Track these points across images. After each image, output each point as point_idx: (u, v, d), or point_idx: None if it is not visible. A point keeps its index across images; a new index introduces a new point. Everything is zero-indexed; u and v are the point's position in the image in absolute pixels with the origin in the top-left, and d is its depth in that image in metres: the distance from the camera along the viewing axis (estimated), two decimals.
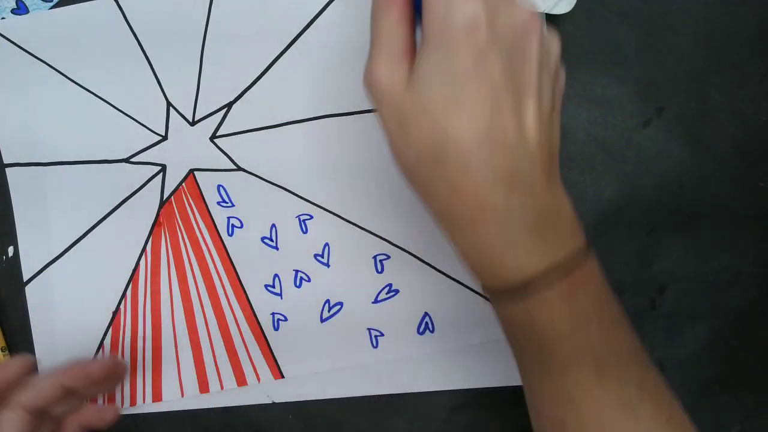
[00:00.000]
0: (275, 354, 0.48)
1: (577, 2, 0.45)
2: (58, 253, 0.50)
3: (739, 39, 0.45)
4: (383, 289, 0.47)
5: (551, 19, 0.45)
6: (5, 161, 0.50)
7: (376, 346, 0.47)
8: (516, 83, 0.31)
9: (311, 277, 0.47)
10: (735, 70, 0.45)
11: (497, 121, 0.30)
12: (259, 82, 0.47)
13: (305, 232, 0.47)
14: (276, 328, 0.48)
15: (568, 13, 0.45)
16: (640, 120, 0.46)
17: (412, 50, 0.34)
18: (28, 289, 0.50)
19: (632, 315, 0.45)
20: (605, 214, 0.46)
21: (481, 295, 0.45)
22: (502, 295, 0.33)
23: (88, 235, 0.49)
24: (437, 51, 0.31)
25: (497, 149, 0.31)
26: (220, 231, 0.48)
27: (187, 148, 0.48)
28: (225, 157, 0.48)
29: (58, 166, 0.49)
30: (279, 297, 0.48)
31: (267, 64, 0.47)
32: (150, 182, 0.49)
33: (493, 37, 0.30)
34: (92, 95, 0.49)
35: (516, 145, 0.31)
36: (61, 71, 0.49)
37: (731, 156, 0.45)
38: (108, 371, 0.44)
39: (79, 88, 0.49)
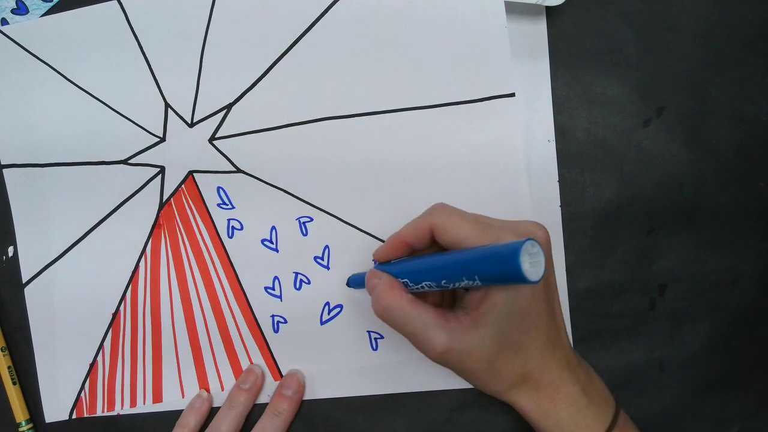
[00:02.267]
0: (275, 356, 0.48)
1: (577, 2, 0.45)
2: (57, 255, 0.50)
3: (739, 39, 0.45)
4: None
5: (546, 12, 0.45)
6: (3, 162, 0.50)
7: (375, 349, 0.47)
8: (549, 287, 0.39)
9: (311, 280, 0.47)
10: (735, 70, 0.45)
11: (549, 326, 0.38)
12: (259, 84, 0.47)
13: (305, 234, 0.47)
14: (276, 331, 0.48)
15: (566, 10, 0.45)
16: (640, 120, 0.46)
17: (438, 304, 0.41)
18: (28, 290, 0.50)
19: (632, 315, 0.46)
20: (605, 214, 0.46)
21: None
22: None
23: (88, 236, 0.49)
24: (505, 297, 0.36)
25: (556, 347, 0.39)
26: (220, 233, 0.48)
27: (186, 150, 0.48)
28: (224, 159, 0.48)
29: (56, 168, 0.49)
30: (279, 299, 0.48)
31: (267, 66, 0.47)
32: (149, 184, 0.49)
33: None
34: (90, 96, 0.49)
35: (561, 336, 0.39)
36: (61, 72, 0.49)
37: (731, 156, 0.45)
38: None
39: (77, 89, 0.49)
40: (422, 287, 0.37)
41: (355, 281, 0.45)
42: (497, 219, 0.39)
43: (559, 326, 0.39)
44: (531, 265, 0.31)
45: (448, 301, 0.42)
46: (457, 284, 0.34)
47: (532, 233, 0.37)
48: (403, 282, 0.38)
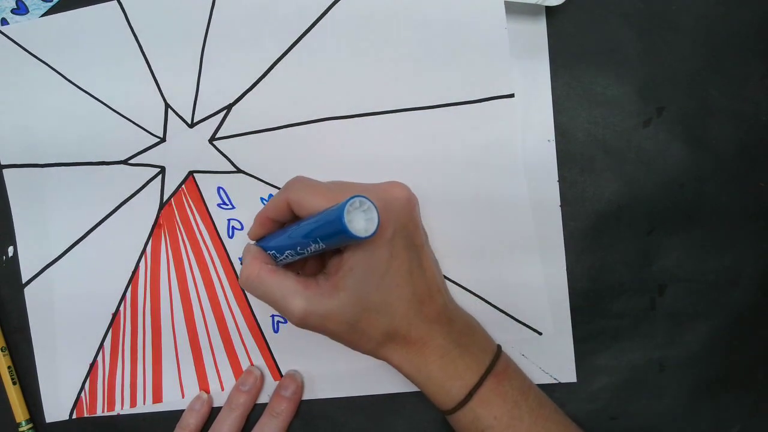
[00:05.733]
0: (275, 356, 0.48)
1: (577, 2, 0.45)
2: (57, 255, 0.50)
3: (739, 39, 0.45)
4: None
5: (546, 12, 0.45)
6: (3, 162, 0.50)
7: None
8: (413, 246, 0.39)
9: None
10: (735, 70, 0.45)
11: (415, 283, 0.38)
12: (259, 84, 0.47)
13: None
14: (276, 331, 0.48)
15: (566, 10, 0.45)
16: (640, 120, 0.46)
17: (296, 270, 0.41)
18: (28, 291, 0.50)
19: (632, 315, 0.46)
20: (605, 214, 0.46)
21: (481, 297, 0.46)
22: (455, 408, 0.40)
23: (88, 237, 0.49)
24: (360, 259, 0.37)
25: (424, 303, 0.39)
26: (220, 233, 0.48)
27: (187, 150, 0.48)
28: (225, 159, 0.48)
29: (55, 168, 0.49)
30: None
31: (267, 67, 0.47)
32: (149, 184, 0.49)
33: (393, 223, 0.37)
34: (90, 97, 0.49)
35: (432, 292, 0.39)
36: (61, 72, 0.49)
37: (731, 156, 0.45)
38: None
39: (77, 89, 0.49)
40: (286, 257, 0.39)
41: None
42: (361, 184, 0.40)
43: (429, 281, 0.40)
44: (366, 222, 0.33)
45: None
46: (308, 249, 0.36)
47: (388, 193, 0.39)
48: (271, 254, 0.40)
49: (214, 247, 0.48)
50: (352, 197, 0.33)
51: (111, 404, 0.50)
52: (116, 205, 0.49)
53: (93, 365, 0.50)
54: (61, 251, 0.50)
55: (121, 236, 0.49)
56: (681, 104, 0.45)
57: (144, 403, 0.50)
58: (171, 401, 0.49)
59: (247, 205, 0.48)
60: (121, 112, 0.49)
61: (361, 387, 0.48)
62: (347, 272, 0.37)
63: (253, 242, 0.43)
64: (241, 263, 0.41)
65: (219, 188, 0.48)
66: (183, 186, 0.48)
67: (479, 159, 0.45)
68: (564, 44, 0.46)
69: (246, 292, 0.40)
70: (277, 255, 0.40)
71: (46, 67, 0.49)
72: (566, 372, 0.46)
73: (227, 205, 0.48)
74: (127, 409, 0.50)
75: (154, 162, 0.49)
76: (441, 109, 0.45)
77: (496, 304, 0.46)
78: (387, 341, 0.39)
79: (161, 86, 0.48)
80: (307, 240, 0.36)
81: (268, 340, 0.48)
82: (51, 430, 0.51)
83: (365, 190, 0.38)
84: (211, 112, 0.48)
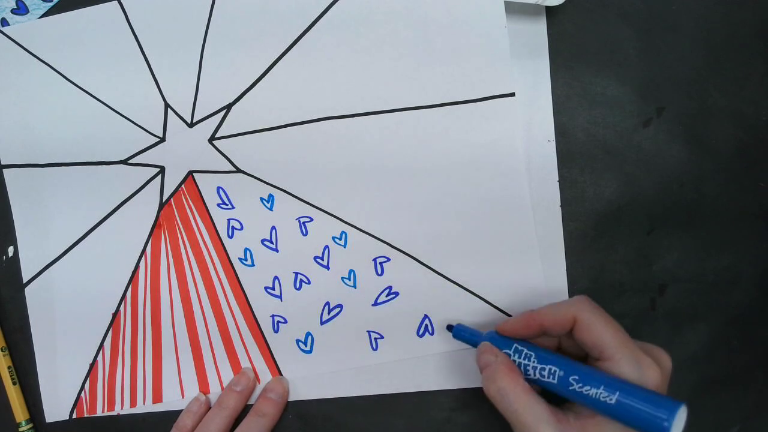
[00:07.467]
0: (275, 356, 0.48)
1: (577, 2, 0.45)
2: (57, 255, 0.50)
3: (739, 39, 0.45)
4: (383, 291, 0.46)
5: (546, 12, 0.45)
6: (3, 162, 0.50)
7: (375, 349, 0.47)
8: None
9: (311, 280, 0.47)
10: (735, 70, 0.45)
11: None
12: (258, 83, 0.47)
13: (305, 234, 0.47)
14: (276, 330, 0.48)
15: (566, 10, 0.45)
16: (640, 120, 0.46)
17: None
18: (28, 291, 0.50)
19: (632, 315, 0.46)
20: (605, 214, 0.46)
21: (481, 298, 0.46)
22: None
23: (88, 237, 0.49)
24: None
25: None
26: (219, 233, 0.48)
27: (186, 150, 0.48)
28: (224, 158, 0.48)
29: (56, 168, 0.49)
30: (279, 299, 0.48)
31: (267, 66, 0.47)
32: (149, 184, 0.49)
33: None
34: (90, 96, 0.49)
35: None
36: (61, 72, 0.49)
37: (731, 156, 0.45)
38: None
39: (77, 89, 0.49)
40: (539, 379, 0.38)
41: (461, 334, 0.44)
42: (636, 342, 0.39)
43: None
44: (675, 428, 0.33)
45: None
46: (583, 393, 0.35)
47: (663, 361, 0.38)
48: (517, 363, 0.39)
49: (213, 247, 0.48)
50: (681, 404, 0.33)
51: (111, 404, 0.50)
52: (116, 205, 0.49)
53: (93, 365, 0.50)
54: (61, 251, 0.50)
55: (121, 236, 0.49)
56: (681, 104, 0.45)
57: (144, 403, 0.49)
58: (171, 401, 0.49)
59: (247, 205, 0.48)
60: (121, 112, 0.49)
61: (361, 387, 0.48)
62: (604, 422, 0.36)
63: (490, 333, 0.42)
64: (479, 362, 0.40)
65: (219, 188, 0.48)
66: (182, 186, 0.48)
67: (479, 158, 0.45)
68: (564, 44, 0.46)
69: (488, 396, 0.38)
70: (530, 369, 0.39)
71: (46, 67, 0.49)
72: None
73: (227, 204, 0.48)
74: (127, 409, 0.50)
75: (153, 162, 0.49)
76: (441, 108, 0.45)
77: (496, 304, 0.46)
78: None
79: (161, 86, 0.48)
80: (583, 392, 0.35)
81: (268, 340, 0.48)
82: (51, 430, 0.51)
83: (641, 347, 0.38)
84: (211, 112, 0.48)
